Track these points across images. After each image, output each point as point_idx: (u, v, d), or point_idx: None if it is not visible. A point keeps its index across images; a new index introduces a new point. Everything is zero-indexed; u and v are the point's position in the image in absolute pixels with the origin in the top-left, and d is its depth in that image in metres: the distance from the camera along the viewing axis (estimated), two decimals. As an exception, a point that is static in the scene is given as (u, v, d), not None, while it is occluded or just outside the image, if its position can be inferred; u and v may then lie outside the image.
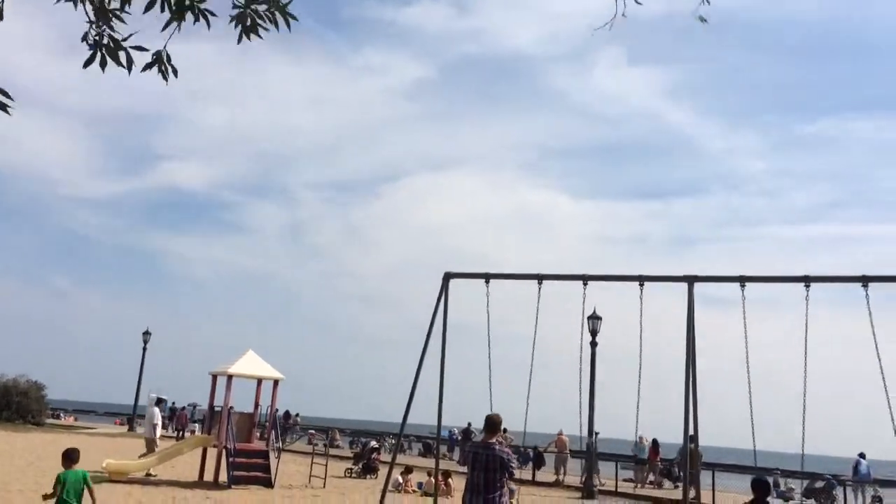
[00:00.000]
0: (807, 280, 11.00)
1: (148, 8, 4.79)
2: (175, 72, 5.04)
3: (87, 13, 4.95)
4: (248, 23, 4.95)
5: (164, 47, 4.99)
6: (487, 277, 12.69)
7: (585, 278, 12.24)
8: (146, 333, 44.43)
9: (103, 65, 4.98)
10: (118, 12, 4.97)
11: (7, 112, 4.49)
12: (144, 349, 43.98)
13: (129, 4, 4.99)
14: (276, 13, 4.92)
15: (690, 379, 11.30)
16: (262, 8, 4.97)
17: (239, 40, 4.96)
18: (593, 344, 25.75)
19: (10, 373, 41.43)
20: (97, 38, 4.98)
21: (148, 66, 5.00)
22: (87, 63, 4.97)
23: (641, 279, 11.98)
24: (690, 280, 11.80)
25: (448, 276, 13.01)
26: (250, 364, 20.81)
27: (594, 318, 25.80)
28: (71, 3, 4.87)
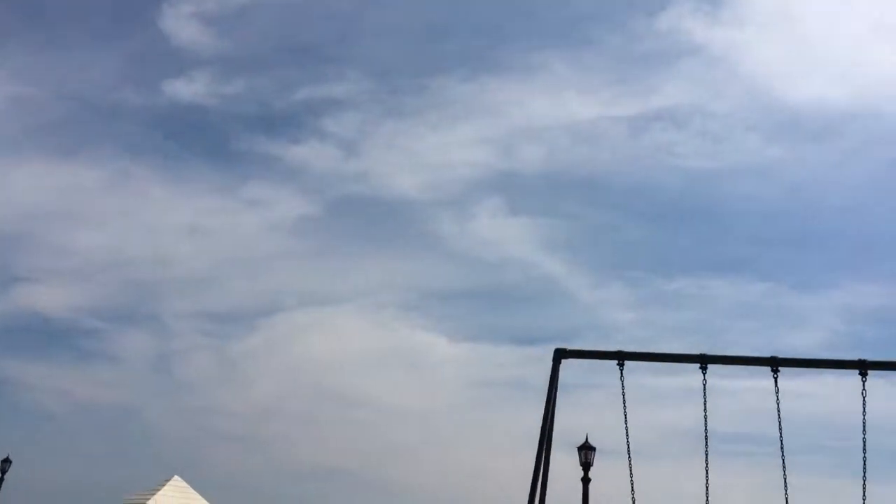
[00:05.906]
0: None
1: None
2: None
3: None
4: None
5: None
6: (621, 357, 8.62)
7: (775, 362, 8.41)
8: (5, 461, 36.61)
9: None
10: None
11: None
12: (2, 479, 36.08)
13: None
14: None
15: None
16: None
17: None
18: (585, 480, 21.40)
19: None
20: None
21: None
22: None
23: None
24: None
25: (560, 355, 8.82)
26: (178, 494, 15.34)
27: (586, 449, 21.62)
28: None
